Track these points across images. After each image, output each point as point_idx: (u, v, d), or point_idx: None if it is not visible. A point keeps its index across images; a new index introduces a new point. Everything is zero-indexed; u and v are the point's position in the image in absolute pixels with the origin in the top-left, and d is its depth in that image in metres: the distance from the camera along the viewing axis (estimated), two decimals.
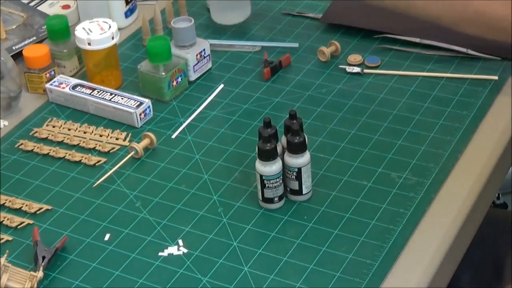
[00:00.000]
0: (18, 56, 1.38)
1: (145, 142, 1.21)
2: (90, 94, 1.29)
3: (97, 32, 1.31)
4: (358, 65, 1.35)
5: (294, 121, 1.08)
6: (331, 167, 1.16)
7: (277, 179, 1.08)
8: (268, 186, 1.08)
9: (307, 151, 1.08)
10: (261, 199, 1.10)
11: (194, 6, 1.53)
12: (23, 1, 1.53)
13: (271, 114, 1.27)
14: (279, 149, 1.09)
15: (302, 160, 1.08)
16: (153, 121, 1.28)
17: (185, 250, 1.05)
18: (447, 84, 1.30)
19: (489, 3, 1.20)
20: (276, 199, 1.10)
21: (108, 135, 1.25)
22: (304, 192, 1.10)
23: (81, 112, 1.30)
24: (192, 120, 1.27)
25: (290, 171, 1.09)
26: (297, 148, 1.07)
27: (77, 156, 1.21)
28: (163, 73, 1.29)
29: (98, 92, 1.29)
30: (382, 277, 1.00)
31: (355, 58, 1.36)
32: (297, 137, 1.06)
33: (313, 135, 1.22)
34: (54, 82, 1.32)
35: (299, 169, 1.08)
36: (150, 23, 1.45)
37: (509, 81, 1.30)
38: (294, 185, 1.10)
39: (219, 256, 1.04)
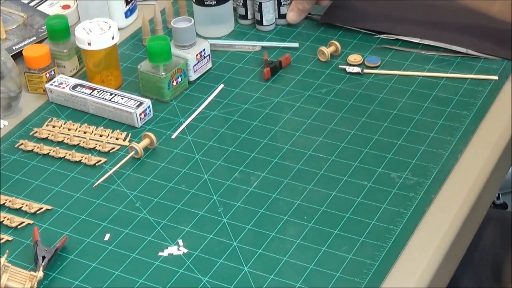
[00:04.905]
0: (18, 56, 1.38)
1: (145, 142, 1.21)
2: (90, 94, 1.29)
3: (97, 32, 1.31)
4: (358, 65, 1.35)
5: None
6: (331, 167, 1.16)
7: None
8: (284, 4, 1.43)
9: None
10: (277, 17, 1.44)
11: None
12: (23, 1, 1.53)
13: (271, 114, 1.27)
14: None
15: None
16: (153, 121, 1.28)
17: (185, 250, 1.05)
18: (447, 84, 1.30)
19: None
20: None
21: (108, 135, 1.25)
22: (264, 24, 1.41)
23: (81, 112, 1.30)
24: (192, 120, 1.27)
25: None
26: None
27: (77, 156, 1.21)
28: (163, 73, 1.29)
29: (98, 92, 1.29)
30: (382, 277, 1.00)
31: (355, 58, 1.36)
32: None
33: (313, 135, 1.22)
34: (54, 82, 1.32)
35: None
36: (150, 23, 1.45)
37: (509, 81, 1.30)
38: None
39: (219, 256, 1.04)
